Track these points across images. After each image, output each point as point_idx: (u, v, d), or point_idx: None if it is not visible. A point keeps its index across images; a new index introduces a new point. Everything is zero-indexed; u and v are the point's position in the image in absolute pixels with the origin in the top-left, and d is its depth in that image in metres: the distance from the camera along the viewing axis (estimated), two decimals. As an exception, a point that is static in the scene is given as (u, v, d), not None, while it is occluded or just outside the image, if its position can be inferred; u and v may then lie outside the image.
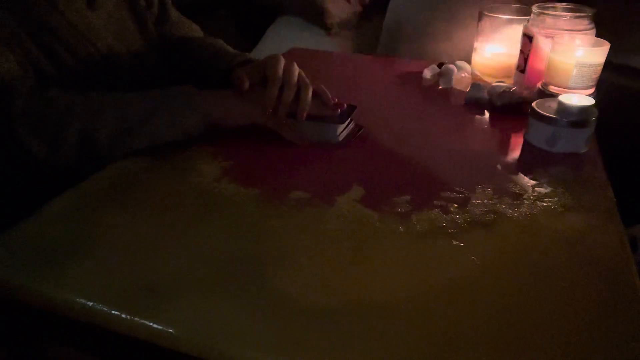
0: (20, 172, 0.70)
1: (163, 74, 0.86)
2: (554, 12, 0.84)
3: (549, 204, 0.58)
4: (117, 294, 0.46)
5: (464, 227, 0.54)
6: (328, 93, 0.72)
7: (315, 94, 0.71)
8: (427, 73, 0.96)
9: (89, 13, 0.73)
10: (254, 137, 0.73)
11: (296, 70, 0.70)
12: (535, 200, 0.59)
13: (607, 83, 0.80)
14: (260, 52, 1.55)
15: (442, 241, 0.52)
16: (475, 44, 0.97)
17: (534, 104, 0.72)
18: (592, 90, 0.78)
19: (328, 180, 0.64)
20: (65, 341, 0.53)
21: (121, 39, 0.78)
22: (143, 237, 0.53)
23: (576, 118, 0.68)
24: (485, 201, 0.59)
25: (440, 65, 0.97)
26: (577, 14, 0.83)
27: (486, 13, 0.94)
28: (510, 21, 0.92)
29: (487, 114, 0.84)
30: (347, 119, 0.74)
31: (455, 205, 0.58)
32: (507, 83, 0.87)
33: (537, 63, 0.85)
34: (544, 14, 0.84)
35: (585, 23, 0.82)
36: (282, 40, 1.54)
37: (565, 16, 0.83)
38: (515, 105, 0.82)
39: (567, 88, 0.76)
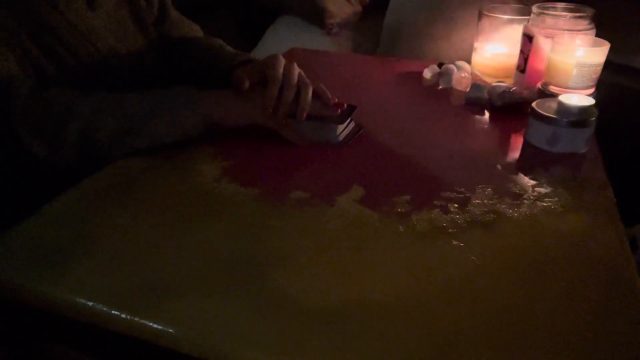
0: (20, 172, 0.70)
1: (163, 74, 0.86)
2: (554, 12, 0.84)
3: (549, 204, 0.58)
4: (117, 294, 0.46)
5: (464, 227, 0.54)
6: (328, 93, 0.73)
7: (315, 94, 0.71)
8: (427, 73, 0.96)
9: (89, 13, 0.73)
10: (254, 137, 0.73)
11: (296, 70, 0.70)
12: (535, 200, 0.59)
13: (607, 83, 0.80)
14: (260, 52, 1.55)
15: (442, 241, 0.52)
16: (475, 44, 0.97)
17: (534, 104, 0.72)
18: (592, 90, 0.78)
19: (328, 180, 0.64)
20: (65, 341, 0.53)
21: (121, 39, 0.78)
22: (143, 237, 0.53)
23: (576, 118, 0.68)
24: (485, 201, 0.59)
25: (440, 65, 0.97)
26: (577, 14, 0.83)
27: (486, 13, 0.94)
28: (510, 21, 0.92)
29: (487, 114, 0.84)
30: (347, 119, 0.74)
31: (455, 205, 0.58)
32: (507, 83, 0.87)
33: (537, 63, 0.85)
34: (544, 14, 0.84)
35: (585, 23, 0.82)
36: (282, 40, 1.54)
37: (565, 16, 0.83)
38: (515, 105, 0.82)
39: (567, 88, 0.76)
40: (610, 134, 0.79)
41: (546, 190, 0.61)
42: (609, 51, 0.75)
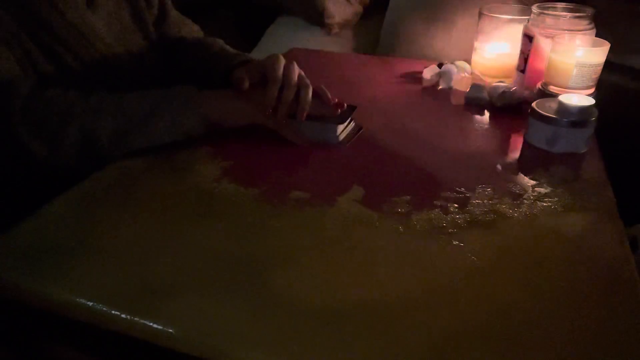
0: (20, 172, 0.70)
1: (163, 74, 0.86)
2: (554, 12, 0.84)
3: (549, 204, 0.58)
4: (117, 294, 0.46)
5: (464, 227, 0.54)
6: (328, 93, 0.72)
7: (315, 94, 0.71)
8: (427, 73, 0.96)
9: (88, 13, 0.73)
10: (254, 137, 0.73)
11: (296, 70, 0.70)
12: (535, 200, 0.59)
13: (607, 83, 0.80)
14: (260, 52, 1.55)
15: (442, 241, 0.52)
16: (475, 44, 0.97)
17: (534, 104, 0.72)
18: (592, 90, 0.78)
19: (328, 180, 0.64)
20: (65, 341, 0.53)
21: (121, 39, 0.78)
22: (143, 237, 0.53)
23: (576, 118, 0.68)
24: (485, 201, 0.59)
25: (440, 65, 0.97)
26: (577, 14, 0.83)
27: (486, 13, 0.94)
28: (510, 21, 0.92)
29: (487, 114, 0.84)
30: (347, 119, 0.74)
31: (455, 205, 0.58)
32: (507, 83, 0.87)
33: (537, 63, 0.85)
34: (544, 14, 0.84)
35: (585, 23, 0.82)
36: (282, 40, 1.54)
37: (565, 16, 0.83)
38: (515, 105, 0.82)
39: (567, 88, 0.76)
40: (610, 134, 0.79)
41: (546, 190, 0.61)
42: (609, 51, 0.75)
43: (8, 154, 0.67)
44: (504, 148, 0.75)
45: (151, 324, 0.43)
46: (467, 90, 0.88)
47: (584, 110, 0.68)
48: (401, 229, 0.54)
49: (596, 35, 0.81)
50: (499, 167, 0.67)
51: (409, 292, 0.46)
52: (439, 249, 0.51)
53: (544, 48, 0.83)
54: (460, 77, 0.94)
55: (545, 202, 0.59)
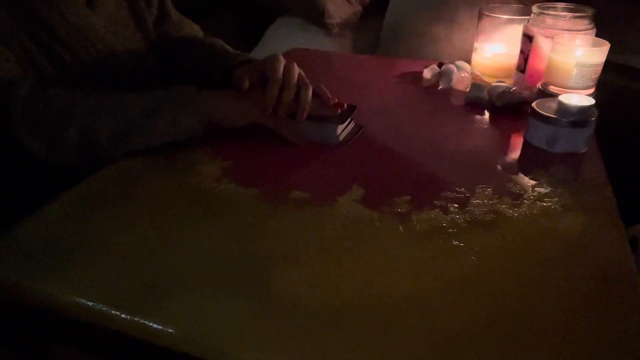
0: (20, 172, 0.70)
1: (163, 74, 0.86)
2: (554, 12, 0.84)
3: (549, 204, 0.58)
4: (117, 294, 0.46)
5: (464, 227, 0.54)
6: (328, 93, 0.72)
7: (315, 94, 0.71)
8: (427, 73, 0.96)
9: (88, 13, 0.73)
10: (254, 137, 0.73)
11: (296, 70, 0.70)
12: (535, 200, 0.59)
13: (607, 83, 0.80)
14: (260, 52, 1.55)
15: (442, 241, 0.52)
16: (475, 44, 0.97)
17: (534, 104, 0.72)
18: (592, 90, 0.78)
19: (328, 180, 0.64)
20: (65, 341, 0.53)
21: (121, 38, 0.78)
22: (143, 237, 0.53)
23: (576, 118, 0.68)
24: (485, 201, 0.59)
25: (440, 65, 0.97)
26: (577, 14, 0.83)
27: (486, 13, 0.94)
28: (510, 21, 0.92)
29: (487, 114, 0.84)
30: (347, 119, 0.74)
31: (455, 205, 0.58)
32: (507, 83, 0.87)
33: (537, 63, 0.85)
34: (544, 14, 0.84)
35: (585, 23, 0.82)
36: (282, 40, 1.54)
37: (565, 16, 0.84)
38: (515, 105, 0.82)
39: (567, 88, 0.76)
40: (610, 134, 0.79)
41: (546, 190, 0.61)
42: (609, 51, 0.75)
43: (8, 154, 0.67)
44: (504, 148, 0.75)
45: (151, 324, 0.43)
46: (467, 90, 0.88)
47: (584, 110, 0.68)
48: (401, 229, 0.54)
49: (596, 35, 0.81)
50: (499, 167, 0.67)
51: (409, 292, 0.46)
52: (439, 249, 0.51)
53: (544, 48, 0.83)
54: (460, 77, 0.94)
55: (545, 202, 0.59)
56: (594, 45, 0.76)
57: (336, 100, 0.73)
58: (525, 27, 0.87)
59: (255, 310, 0.44)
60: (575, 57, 0.75)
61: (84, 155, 0.65)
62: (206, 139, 0.69)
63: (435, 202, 0.58)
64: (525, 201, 0.59)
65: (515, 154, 0.72)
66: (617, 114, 1.01)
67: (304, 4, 1.56)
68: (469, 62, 0.99)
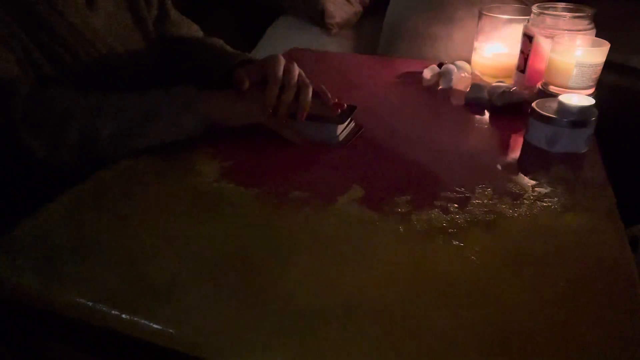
0: (20, 172, 0.70)
1: (163, 74, 0.86)
2: (554, 12, 0.84)
3: (549, 204, 0.58)
4: (117, 294, 0.46)
5: (464, 227, 0.54)
6: (328, 93, 0.72)
7: (315, 94, 0.71)
8: (427, 73, 0.96)
9: (88, 13, 0.73)
10: (254, 137, 0.73)
11: (296, 70, 0.70)
12: (535, 200, 0.59)
13: (607, 83, 0.80)
14: (260, 52, 1.55)
15: (442, 241, 0.52)
16: (475, 44, 0.97)
17: (534, 104, 0.72)
18: (592, 90, 0.78)
19: (328, 180, 0.64)
20: (65, 341, 0.53)
21: (121, 39, 0.78)
22: (143, 237, 0.53)
23: (576, 118, 0.68)
24: (485, 201, 0.59)
25: (440, 65, 0.97)
26: (577, 14, 0.83)
27: (486, 13, 0.94)
28: (510, 21, 0.92)
29: (487, 114, 0.84)
30: (347, 119, 0.74)
31: (455, 205, 0.58)
32: (507, 83, 0.87)
33: (537, 63, 0.85)
34: (544, 14, 0.84)
35: (585, 23, 0.82)
36: (282, 40, 1.54)
37: (565, 16, 0.84)
38: (515, 105, 0.82)
39: (567, 88, 0.76)
40: (610, 134, 0.79)
41: (546, 190, 0.61)
42: (609, 51, 0.75)
43: (8, 154, 0.67)
44: (504, 148, 0.75)
45: (151, 324, 0.43)
46: (467, 90, 0.88)
47: (584, 110, 0.68)
48: (401, 229, 0.54)
49: (596, 35, 0.81)
50: (499, 167, 0.67)
51: (409, 292, 0.46)
52: (439, 249, 0.51)
53: (544, 48, 0.83)
54: (460, 77, 0.94)
55: (545, 202, 0.59)
56: (594, 45, 0.76)
57: (336, 100, 0.73)
58: (525, 27, 0.87)
59: (255, 310, 0.44)
60: (575, 57, 0.75)
61: (84, 155, 0.65)
62: (206, 139, 0.69)
63: (435, 202, 0.58)
64: (525, 201, 0.59)
65: (515, 154, 0.72)
66: (617, 114, 1.01)
67: (304, 4, 1.56)
68: (469, 62, 0.99)
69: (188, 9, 1.00)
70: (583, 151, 0.70)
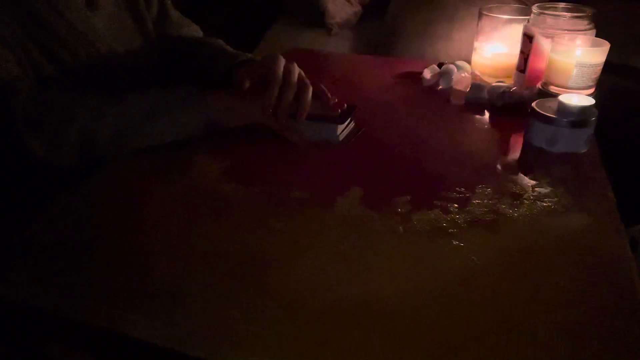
0: (20, 172, 0.70)
1: (163, 74, 0.86)
2: (554, 12, 0.84)
3: (549, 204, 0.58)
4: (117, 294, 0.46)
5: (464, 227, 0.54)
6: (328, 93, 0.72)
7: (315, 94, 0.71)
8: (427, 73, 0.96)
9: (88, 13, 0.73)
10: (254, 137, 0.73)
11: (296, 70, 0.70)
12: (535, 200, 0.59)
13: (607, 83, 0.80)
14: (261, 52, 1.55)
15: (442, 241, 0.52)
16: (475, 44, 0.97)
17: (534, 104, 0.72)
18: (592, 90, 0.78)
19: (328, 180, 0.64)
20: (65, 341, 0.53)
21: (121, 39, 0.78)
22: (143, 237, 0.53)
23: (576, 118, 0.68)
24: (485, 201, 0.59)
25: (440, 65, 0.97)
26: (577, 14, 0.83)
27: (486, 13, 0.93)
28: (510, 21, 0.92)
29: (487, 114, 0.84)
30: (347, 119, 0.74)
31: (455, 205, 0.58)
32: (507, 83, 0.87)
33: (537, 63, 0.85)
34: (544, 14, 0.84)
35: (585, 23, 0.82)
36: (282, 40, 1.54)
37: (565, 16, 0.83)
38: (515, 105, 0.82)
39: (567, 88, 0.76)
40: (610, 134, 0.79)
41: (546, 190, 0.61)
42: (609, 51, 0.75)
43: (8, 154, 0.67)
44: (504, 148, 0.75)
45: (151, 324, 0.43)
46: (467, 90, 0.88)
47: (584, 110, 0.68)
48: (401, 229, 0.54)
49: (596, 35, 0.81)
50: (499, 167, 0.67)
51: (409, 292, 0.46)
52: (439, 249, 0.51)
53: (544, 48, 0.82)
54: (460, 77, 0.94)
55: (545, 202, 0.59)
56: (594, 45, 0.76)
57: (336, 100, 0.73)
58: (525, 27, 0.87)
59: (255, 310, 0.44)
60: (575, 57, 0.75)
61: (84, 155, 0.65)
62: (206, 139, 0.69)
63: (435, 202, 0.58)
64: (525, 201, 0.59)
65: (515, 154, 0.72)
66: (617, 114, 1.01)
67: (305, 4, 1.56)
68: (469, 62, 0.99)
69: (188, 9, 1.00)
70: (583, 151, 0.70)
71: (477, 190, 0.61)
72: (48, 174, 0.66)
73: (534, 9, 0.85)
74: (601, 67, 0.76)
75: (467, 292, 0.46)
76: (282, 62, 0.69)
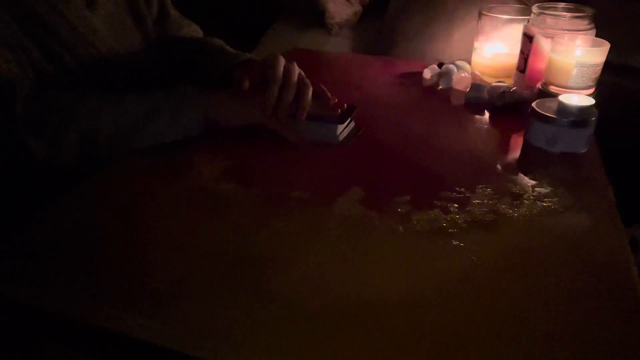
0: (20, 172, 0.70)
1: (163, 74, 0.86)
2: (554, 12, 0.84)
3: (549, 204, 0.58)
4: (117, 294, 0.46)
5: (464, 227, 0.54)
6: (328, 93, 0.72)
7: (315, 94, 0.71)
8: (427, 73, 0.96)
9: (88, 13, 0.73)
10: (254, 137, 0.73)
11: (296, 70, 0.70)
12: (535, 200, 0.59)
13: (607, 83, 0.80)
14: (261, 52, 1.55)
15: (442, 241, 0.52)
16: (475, 44, 0.97)
17: (534, 104, 0.72)
18: (592, 90, 0.78)
19: (328, 180, 0.64)
20: (65, 341, 0.53)
21: (121, 39, 0.78)
22: (143, 237, 0.53)
23: (576, 118, 0.68)
24: (485, 201, 0.59)
25: (440, 65, 0.97)
26: (577, 14, 0.83)
27: (486, 13, 0.94)
28: (510, 21, 0.92)
29: (487, 114, 0.84)
30: (347, 119, 0.74)
31: (455, 205, 0.58)
32: (507, 83, 0.87)
33: (537, 63, 0.85)
34: (544, 14, 0.84)
35: (585, 23, 0.82)
36: (282, 40, 1.55)
37: (565, 16, 0.83)
38: (515, 105, 0.82)
39: (567, 88, 0.76)
40: (610, 134, 0.79)
41: (546, 190, 0.61)
42: (609, 51, 0.75)
43: (8, 154, 0.67)
44: (504, 148, 0.75)
45: (151, 324, 0.43)
46: (467, 90, 0.88)
47: (584, 110, 0.68)
48: (401, 229, 0.54)
49: (596, 35, 0.81)
50: (499, 167, 0.67)
51: (409, 292, 0.46)
52: (439, 249, 0.51)
53: (544, 48, 0.82)
54: (460, 77, 0.94)
55: (545, 202, 0.59)
56: (594, 45, 0.76)
57: (336, 100, 0.73)
58: (525, 27, 0.87)
59: (255, 310, 0.44)
60: (575, 57, 0.75)
61: (84, 155, 0.65)
62: (206, 139, 0.69)
63: (435, 202, 0.58)
64: (525, 201, 0.59)
65: (515, 154, 0.72)
66: (617, 114, 1.01)
67: (305, 4, 1.56)
68: (469, 62, 0.99)
69: (188, 9, 1.00)
70: (583, 151, 0.70)
71: (477, 190, 0.61)
72: (48, 174, 0.66)
73: (534, 9, 0.85)
74: (601, 67, 0.76)
75: (467, 292, 0.46)
76: (282, 62, 0.69)
